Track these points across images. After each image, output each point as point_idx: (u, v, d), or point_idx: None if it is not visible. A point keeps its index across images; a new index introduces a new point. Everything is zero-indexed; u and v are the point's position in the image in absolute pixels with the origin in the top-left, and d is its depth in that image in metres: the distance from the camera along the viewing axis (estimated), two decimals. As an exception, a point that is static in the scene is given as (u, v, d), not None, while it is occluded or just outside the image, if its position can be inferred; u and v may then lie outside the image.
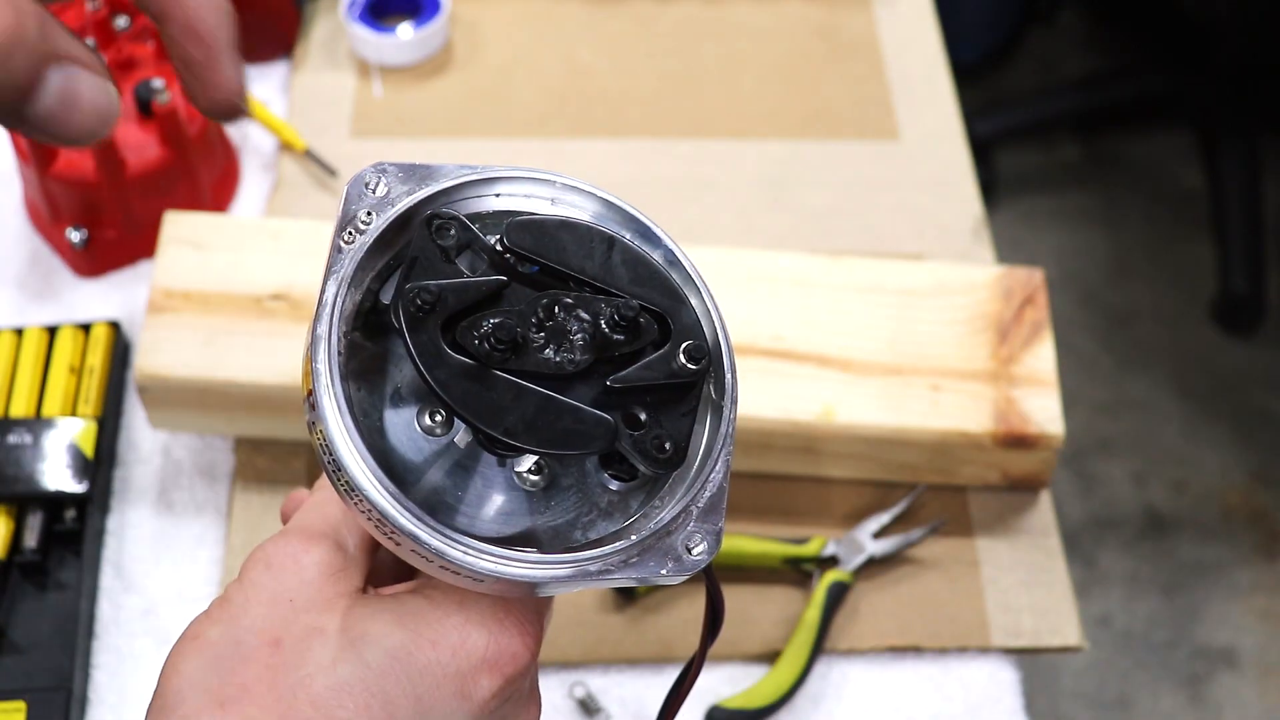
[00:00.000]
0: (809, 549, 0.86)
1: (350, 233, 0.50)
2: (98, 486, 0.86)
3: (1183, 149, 2.39)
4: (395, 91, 1.11)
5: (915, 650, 0.85)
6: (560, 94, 1.12)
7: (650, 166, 1.07)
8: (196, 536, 0.88)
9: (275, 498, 0.88)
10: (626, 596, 0.85)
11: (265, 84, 1.11)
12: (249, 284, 0.87)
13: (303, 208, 1.02)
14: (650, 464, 0.49)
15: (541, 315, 0.49)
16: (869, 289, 0.90)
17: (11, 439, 0.84)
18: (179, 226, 0.89)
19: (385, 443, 0.50)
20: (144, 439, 0.92)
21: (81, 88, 0.40)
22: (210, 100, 0.45)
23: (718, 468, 0.51)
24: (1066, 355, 1.93)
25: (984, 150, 2.22)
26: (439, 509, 0.49)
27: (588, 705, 0.82)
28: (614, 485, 0.52)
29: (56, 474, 0.84)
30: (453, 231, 0.50)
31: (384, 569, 0.56)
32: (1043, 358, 0.87)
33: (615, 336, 0.49)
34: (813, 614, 0.84)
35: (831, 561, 0.86)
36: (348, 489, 0.47)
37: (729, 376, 0.52)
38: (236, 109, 0.45)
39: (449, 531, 0.47)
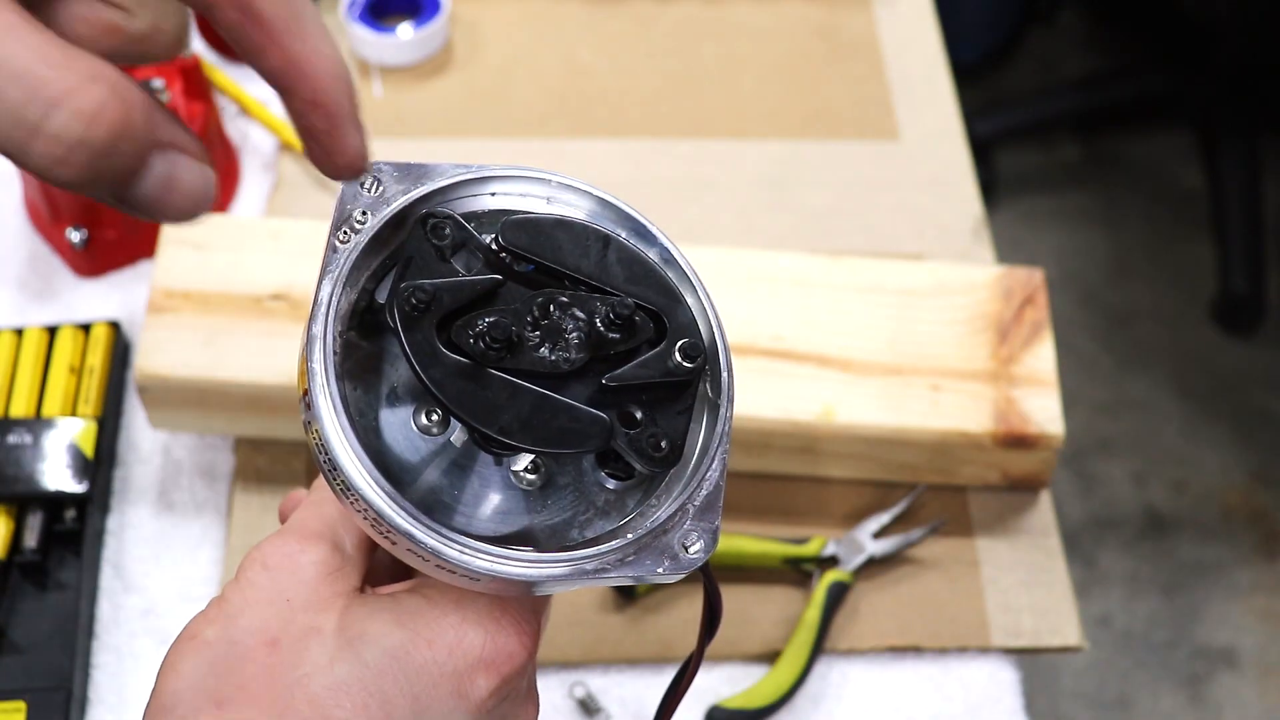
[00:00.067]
0: (809, 549, 0.86)
1: (345, 232, 0.50)
2: (98, 486, 0.86)
3: (1183, 149, 2.39)
4: (395, 91, 1.11)
5: (915, 650, 0.85)
6: (560, 94, 1.12)
7: (650, 166, 1.07)
8: (196, 536, 0.88)
9: (275, 498, 0.88)
10: (626, 596, 0.85)
11: (265, 84, 1.11)
12: (249, 284, 0.87)
13: (303, 208, 1.02)
14: (646, 462, 0.49)
15: (537, 314, 0.49)
16: (869, 289, 0.90)
17: (11, 439, 0.84)
18: (179, 227, 0.90)
19: (381, 442, 0.50)
20: (144, 439, 0.92)
21: (181, 173, 0.42)
22: (333, 166, 0.46)
23: (714, 466, 0.51)
24: (1066, 355, 1.93)
25: (984, 150, 2.22)
26: (435, 508, 0.49)
27: (588, 705, 0.82)
28: (611, 484, 0.52)
29: (56, 474, 0.84)
30: (448, 230, 0.50)
31: (381, 568, 0.56)
32: (1043, 358, 0.87)
33: (611, 335, 0.49)
34: (813, 614, 0.84)
35: (831, 561, 0.86)
36: (343, 488, 0.47)
37: (725, 375, 0.52)
38: (359, 172, 0.47)
39: (445, 531, 0.47)
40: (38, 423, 0.86)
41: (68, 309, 0.98)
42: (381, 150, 1.20)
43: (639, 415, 0.49)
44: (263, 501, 0.88)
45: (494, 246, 0.51)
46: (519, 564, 0.47)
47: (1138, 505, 2.02)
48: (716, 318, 0.52)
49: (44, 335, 0.92)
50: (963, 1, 2.24)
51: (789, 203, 1.05)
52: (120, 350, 0.94)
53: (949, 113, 1.12)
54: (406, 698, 0.48)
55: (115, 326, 0.94)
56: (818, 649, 0.83)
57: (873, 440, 0.85)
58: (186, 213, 0.42)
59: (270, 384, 0.84)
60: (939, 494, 0.90)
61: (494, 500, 0.51)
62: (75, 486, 0.84)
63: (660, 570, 0.49)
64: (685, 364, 0.50)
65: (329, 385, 0.47)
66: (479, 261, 0.51)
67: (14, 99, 0.38)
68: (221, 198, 1.03)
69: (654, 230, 0.53)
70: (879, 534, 0.87)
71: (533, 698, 0.55)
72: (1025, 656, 0.86)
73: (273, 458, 0.90)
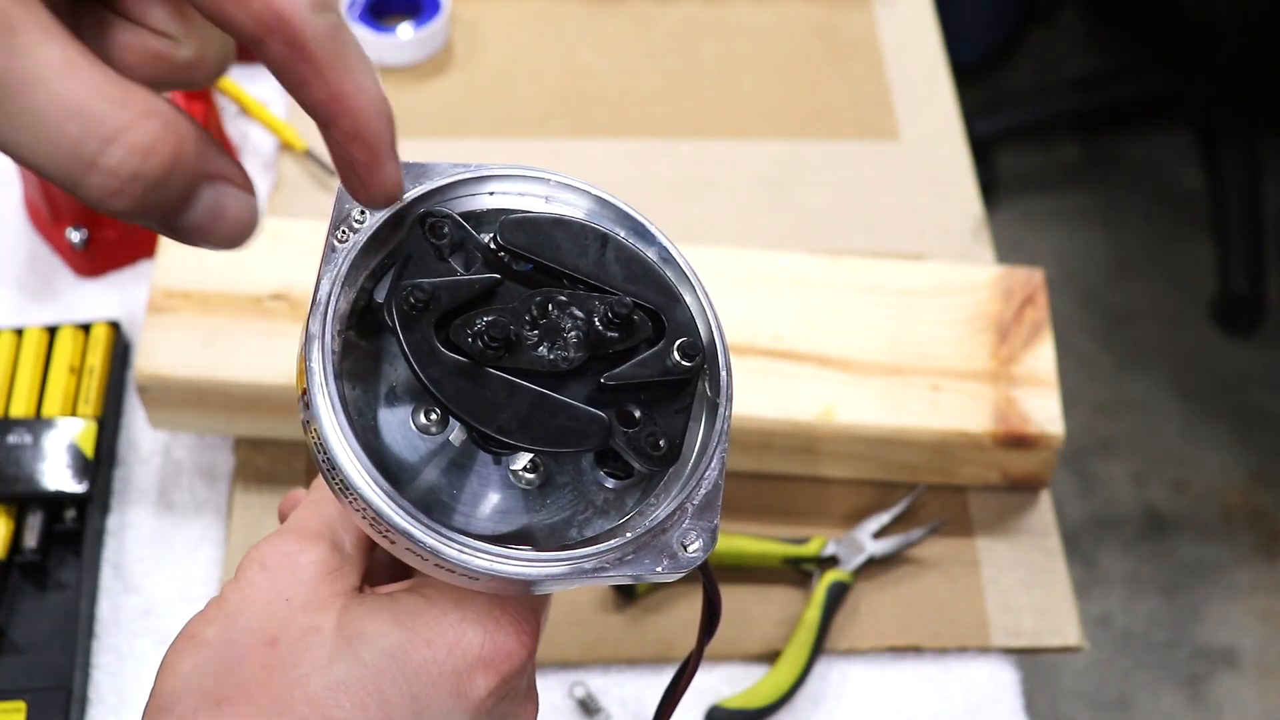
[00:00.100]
0: (809, 549, 0.86)
1: (344, 231, 0.50)
2: (98, 486, 0.86)
3: (1183, 149, 2.39)
4: (395, 91, 1.11)
5: (915, 650, 0.85)
6: (560, 94, 1.12)
7: (650, 166, 1.07)
8: (196, 536, 0.88)
9: (275, 498, 0.88)
10: (626, 596, 0.85)
11: (265, 84, 1.11)
12: (249, 284, 0.87)
13: (303, 208, 1.02)
14: (645, 461, 0.49)
15: (535, 313, 0.49)
16: (869, 289, 0.90)
17: (11, 439, 0.84)
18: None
19: (380, 441, 0.50)
20: (144, 439, 0.92)
21: (228, 204, 0.42)
22: (368, 195, 0.47)
23: (713, 465, 0.51)
24: (1066, 355, 1.93)
25: (984, 150, 2.22)
26: (434, 507, 0.49)
27: (587, 705, 0.82)
28: (609, 483, 0.52)
29: (56, 474, 0.84)
30: (446, 230, 0.50)
31: (380, 568, 0.56)
32: (1043, 358, 0.87)
33: (609, 334, 0.49)
34: (813, 614, 0.84)
35: (831, 561, 0.86)
36: (342, 488, 0.47)
37: (724, 374, 0.52)
38: (393, 200, 0.48)
39: (444, 530, 0.47)
40: (38, 423, 0.86)
41: (68, 309, 0.98)
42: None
43: (637, 414, 0.49)
44: (263, 501, 0.88)
45: (492, 245, 0.51)
46: (518, 563, 0.47)
47: (1138, 505, 2.02)
48: (715, 317, 0.52)
49: (44, 335, 0.92)
50: (963, 1, 2.24)
51: (789, 203, 1.05)
52: (120, 350, 0.94)
53: (949, 113, 1.12)
54: (405, 697, 0.48)
55: (115, 326, 0.94)
56: (818, 649, 0.83)
57: (873, 440, 0.85)
58: (233, 240, 0.43)
59: (270, 384, 0.84)
60: (939, 494, 0.90)
61: (493, 499, 0.51)
62: (75, 486, 0.84)
63: (659, 569, 0.49)
64: (684, 363, 0.50)
65: (327, 384, 0.47)
66: (477, 260, 0.50)
67: (72, 134, 0.39)
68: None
69: (652, 229, 0.53)
70: (879, 534, 0.87)
71: (532, 697, 0.55)
72: (1025, 656, 0.86)
73: (273, 458, 0.90)
